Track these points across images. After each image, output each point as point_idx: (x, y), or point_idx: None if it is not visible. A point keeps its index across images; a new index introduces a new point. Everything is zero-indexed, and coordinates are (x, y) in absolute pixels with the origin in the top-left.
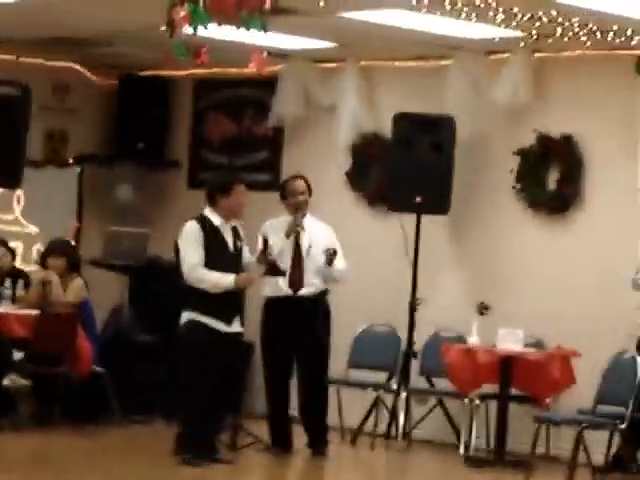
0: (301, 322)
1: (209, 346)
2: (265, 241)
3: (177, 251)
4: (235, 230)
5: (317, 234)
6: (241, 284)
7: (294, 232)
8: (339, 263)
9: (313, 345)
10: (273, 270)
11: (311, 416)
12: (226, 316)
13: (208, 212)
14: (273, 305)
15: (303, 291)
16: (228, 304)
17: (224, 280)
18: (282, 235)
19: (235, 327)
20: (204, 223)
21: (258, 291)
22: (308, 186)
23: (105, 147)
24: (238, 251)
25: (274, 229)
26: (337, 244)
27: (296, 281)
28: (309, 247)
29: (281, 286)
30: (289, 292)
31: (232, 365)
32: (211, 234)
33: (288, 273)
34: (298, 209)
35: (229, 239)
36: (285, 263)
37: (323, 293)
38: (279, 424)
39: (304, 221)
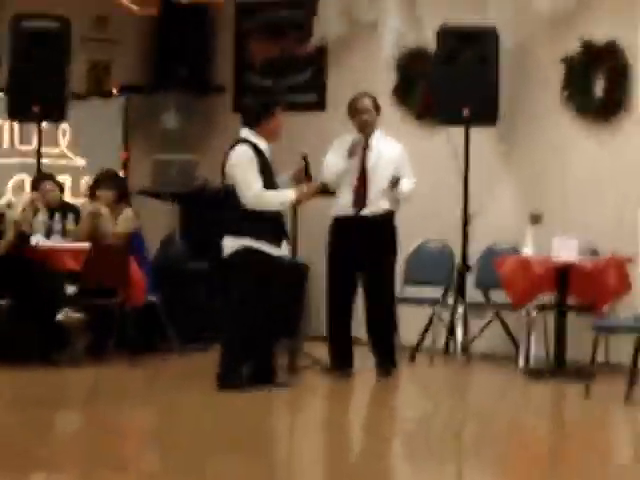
0: (364, 242)
1: (266, 271)
2: (304, 159)
3: (224, 176)
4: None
5: (385, 153)
6: (301, 198)
7: (354, 153)
8: (404, 185)
9: (377, 265)
10: (320, 190)
11: (378, 336)
12: (277, 240)
13: (250, 135)
14: (338, 224)
15: (366, 211)
16: (278, 227)
17: (285, 197)
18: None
19: (284, 250)
20: (253, 147)
21: (310, 213)
22: (375, 104)
23: (148, 76)
24: (275, 174)
25: (341, 147)
26: (406, 162)
27: (359, 200)
28: (376, 166)
29: (345, 205)
30: (352, 211)
31: (286, 287)
32: (261, 158)
33: (352, 192)
34: (362, 128)
35: (271, 162)
36: (351, 182)
37: (388, 213)
38: (341, 343)
39: (371, 139)
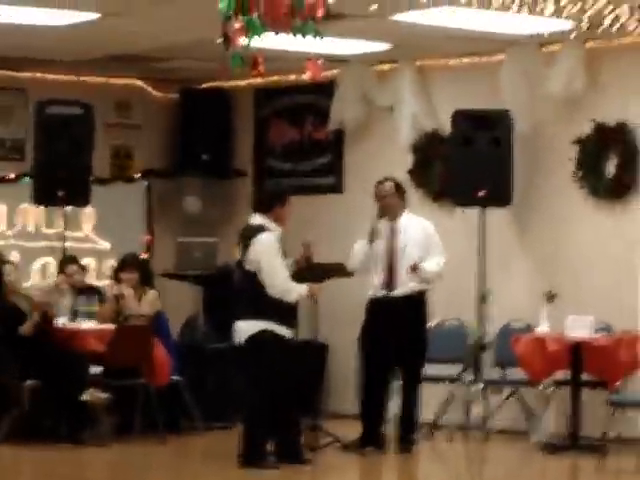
0: (395, 322)
1: (284, 352)
2: (307, 246)
3: (245, 261)
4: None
5: (412, 234)
6: (312, 293)
7: (372, 238)
8: (428, 266)
9: (408, 345)
10: (338, 272)
11: (402, 414)
12: (290, 322)
13: (264, 221)
14: (371, 305)
15: (397, 292)
16: (292, 311)
17: (300, 291)
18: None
19: (291, 331)
20: (273, 235)
21: (329, 294)
22: (398, 188)
23: (170, 160)
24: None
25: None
26: (433, 241)
27: (388, 282)
28: (404, 247)
29: (377, 287)
30: (382, 293)
31: (305, 366)
32: (279, 245)
33: (383, 274)
34: (383, 213)
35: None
36: (381, 264)
37: (419, 293)
38: (374, 423)
39: (398, 222)
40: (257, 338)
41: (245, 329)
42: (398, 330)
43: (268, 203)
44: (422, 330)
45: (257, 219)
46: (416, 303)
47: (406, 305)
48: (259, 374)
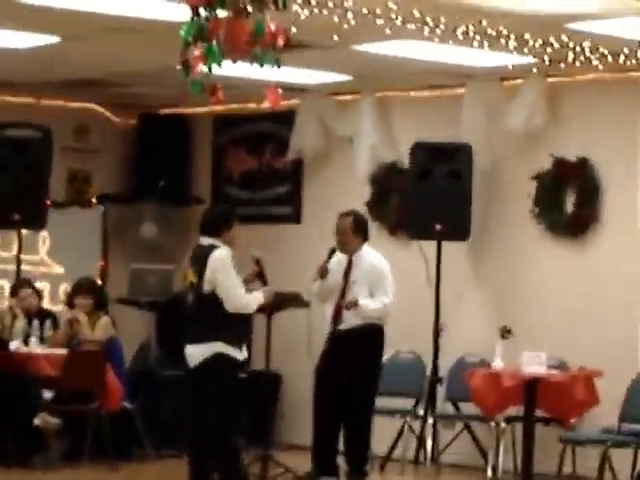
0: (342, 356)
1: (236, 378)
2: (257, 262)
3: (202, 282)
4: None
5: (363, 270)
6: (267, 298)
7: (319, 274)
8: (369, 305)
9: (356, 378)
10: (294, 301)
11: (353, 447)
12: (241, 343)
13: (215, 242)
14: (327, 339)
15: (342, 326)
16: (245, 331)
17: (259, 299)
18: (339, 267)
19: (244, 353)
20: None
21: (282, 323)
22: (357, 224)
23: (127, 186)
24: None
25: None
26: (380, 279)
27: (336, 316)
28: (354, 282)
29: (328, 321)
30: (332, 327)
31: (255, 394)
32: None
33: (333, 308)
34: (339, 248)
35: None
36: (333, 297)
37: (370, 326)
38: (328, 454)
39: (355, 257)
40: (211, 361)
41: (198, 353)
42: (346, 363)
43: (216, 226)
44: (371, 362)
45: (208, 240)
46: (364, 336)
47: (353, 338)
48: (211, 397)
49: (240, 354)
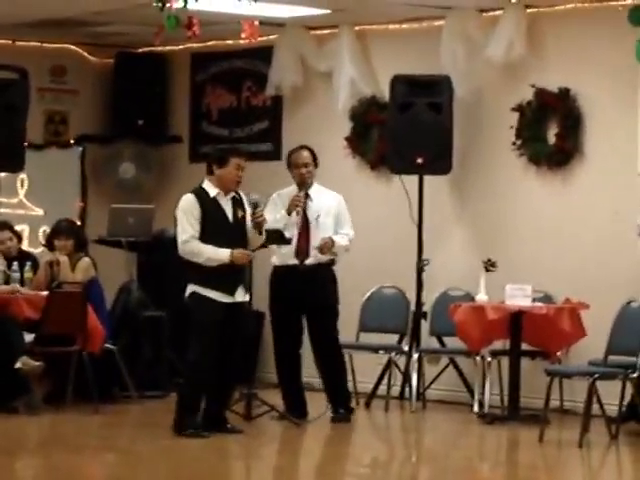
0: (308, 289)
1: (211, 318)
2: (254, 205)
3: (176, 224)
4: (235, 200)
5: (324, 205)
6: (236, 259)
7: (294, 208)
8: (338, 240)
9: (322, 310)
10: (277, 239)
11: (330, 382)
12: (228, 287)
13: (206, 184)
14: (280, 274)
15: (309, 260)
16: (228, 275)
17: (218, 254)
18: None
19: (239, 297)
20: (201, 195)
21: (264, 262)
22: (314, 157)
23: (105, 126)
24: (239, 222)
25: (282, 200)
26: (344, 214)
27: (302, 252)
28: (317, 217)
29: (287, 256)
30: (295, 262)
31: (238, 336)
32: (208, 205)
33: (294, 243)
34: (301, 183)
35: (228, 210)
36: (292, 233)
37: (329, 262)
38: (292, 391)
39: (311, 191)
40: (186, 302)
41: (186, 291)
42: (311, 298)
43: (208, 164)
44: (332, 296)
45: (204, 182)
46: (327, 271)
47: (319, 273)
48: (191, 336)
49: (224, 296)
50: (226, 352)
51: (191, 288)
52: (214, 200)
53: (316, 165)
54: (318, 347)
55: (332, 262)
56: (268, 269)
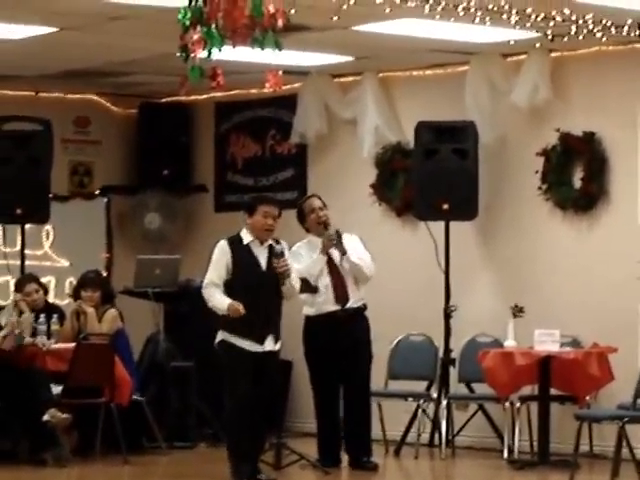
0: (347, 335)
1: (241, 366)
2: (277, 254)
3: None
4: (272, 249)
5: (346, 245)
6: (230, 312)
7: (330, 245)
8: (356, 257)
9: (360, 356)
10: (305, 288)
11: (360, 430)
12: (256, 335)
13: (243, 231)
14: (317, 323)
15: (350, 304)
16: (256, 323)
17: (220, 303)
18: (314, 254)
19: (268, 346)
20: (234, 241)
21: (293, 310)
22: (323, 202)
23: (130, 176)
24: (272, 271)
25: (306, 248)
26: (365, 250)
27: (342, 296)
28: (341, 259)
29: (324, 303)
30: (336, 307)
31: (268, 386)
32: (241, 252)
33: (332, 289)
34: (325, 224)
35: (262, 258)
36: (323, 280)
37: (364, 305)
38: (330, 440)
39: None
40: (216, 349)
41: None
42: (351, 344)
43: (244, 213)
44: (369, 343)
45: (241, 231)
46: (363, 315)
47: (357, 318)
48: (225, 384)
49: (252, 344)
50: (257, 402)
51: (220, 335)
52: (247, 247)
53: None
54: (350, 393)
55: (365, 306)
56: (294, 318)
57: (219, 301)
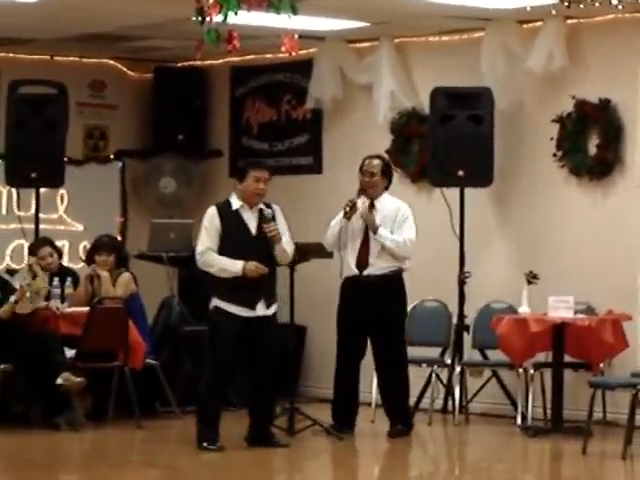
0: (368, 303)
1: (229, 333)
2: (267, 218)
3: None
4: (262, 213)
5: (388, 215)
6: (249, 272)
7: (348, 214)
8: (384, 234)
9: (383, 327)
10: (318, 252)
11: (393, 399)
12: (247, 301)
13: (232, 197)
14: (345, 285)
15: (368, 271)
16: (248, 288)
17: (231, 266)
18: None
19: (260, 310)
20: (223, 207)
21: (306, 275)
22: (384, 168)
23: (145, 141)
24: (262, 235)
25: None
26: (401, 221)
27: (362, 261)
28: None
29: (350, 266)
30: (356, 272)
31: (266, 350)
32: (230, 218)
33: (357, 254)
34: (363, 189)
35: (251, 223)
36: (354, 243)
37: (393, 273)
38: (346, 404)
39: (378, 201)
40: (210, 314)
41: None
42: (373, 312)
43: (236, 179)
44: (399, 310)
45: (231, 196)
46: (389, 283)
47: (379, 285)
48: (209, 350)
49: (244, 310)
50: (258, 367)
51: (213, 302)
52: (236, 213)
53: (386, 177)
54: (382, 363)
55: (397, 273)
56: (308, 283)
57: (228, 264)
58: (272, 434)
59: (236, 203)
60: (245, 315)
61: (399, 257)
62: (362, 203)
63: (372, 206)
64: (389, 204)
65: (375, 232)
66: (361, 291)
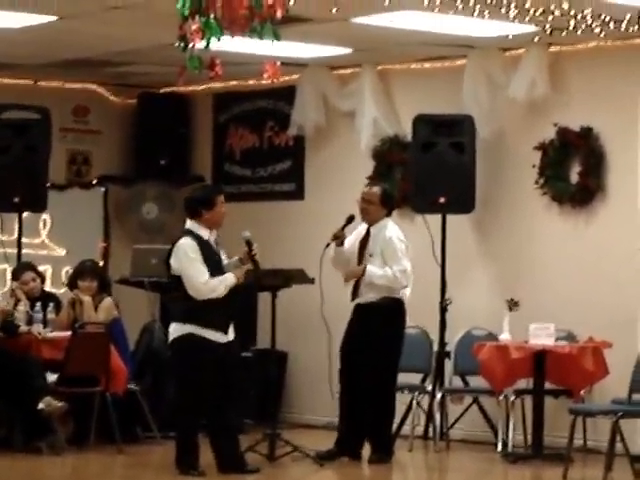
0: (359, 330)
1: (210, 359)
2: (248, 242)
3: (169, 268)
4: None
5: (379, 243)
6: (242, 278)
7: (335, 239)
8: (377, 269)
9: (370, 352)
10: (300, 278)
11: (372, 424)
12: (223, 325)
13: (193, 227)
14: (352, 311)
15: (358, 300)
16: (225, 314)
17: (228, 280)
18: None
19: (231, 335)
20: (197, 238)
21: (287, 302)
22: (383, 196)
23: (128, 166)
24: (220, 260)
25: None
26: (390, 250)
27: (353, 289)
28: (370, 255)
29: (349, 295)
30: (350, 299)
31: (234, 375)
32: (205, 248)
33: (354, 283)
34: (361, 216)
35: (216, 250)
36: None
37: (384, 301)
38: (345, 433)
39: (374, 228)
40: (183, 341)
41: (173, 331)
42: (365, 339)
43: (194, 209)
44: (386, 338)
45: (187, 224)
46: (379, 311)
47: (371, 313)
48: (184, 378)
49: (220, 336)
50: (225, 390)
51: (186, 329)
52: (207, 242)
53: (382, 204)
54: (365, 390)
55: (387, 301)
56: (290, 311)
57: (224, 281)
58: (245, 462)
59: (204, 233)
60: (219, 341)
61: (395, 288)
62: (357, 232)
63: (368, 234)
64: (383, 233)
65: (364, 274)
66: (353, 318)
